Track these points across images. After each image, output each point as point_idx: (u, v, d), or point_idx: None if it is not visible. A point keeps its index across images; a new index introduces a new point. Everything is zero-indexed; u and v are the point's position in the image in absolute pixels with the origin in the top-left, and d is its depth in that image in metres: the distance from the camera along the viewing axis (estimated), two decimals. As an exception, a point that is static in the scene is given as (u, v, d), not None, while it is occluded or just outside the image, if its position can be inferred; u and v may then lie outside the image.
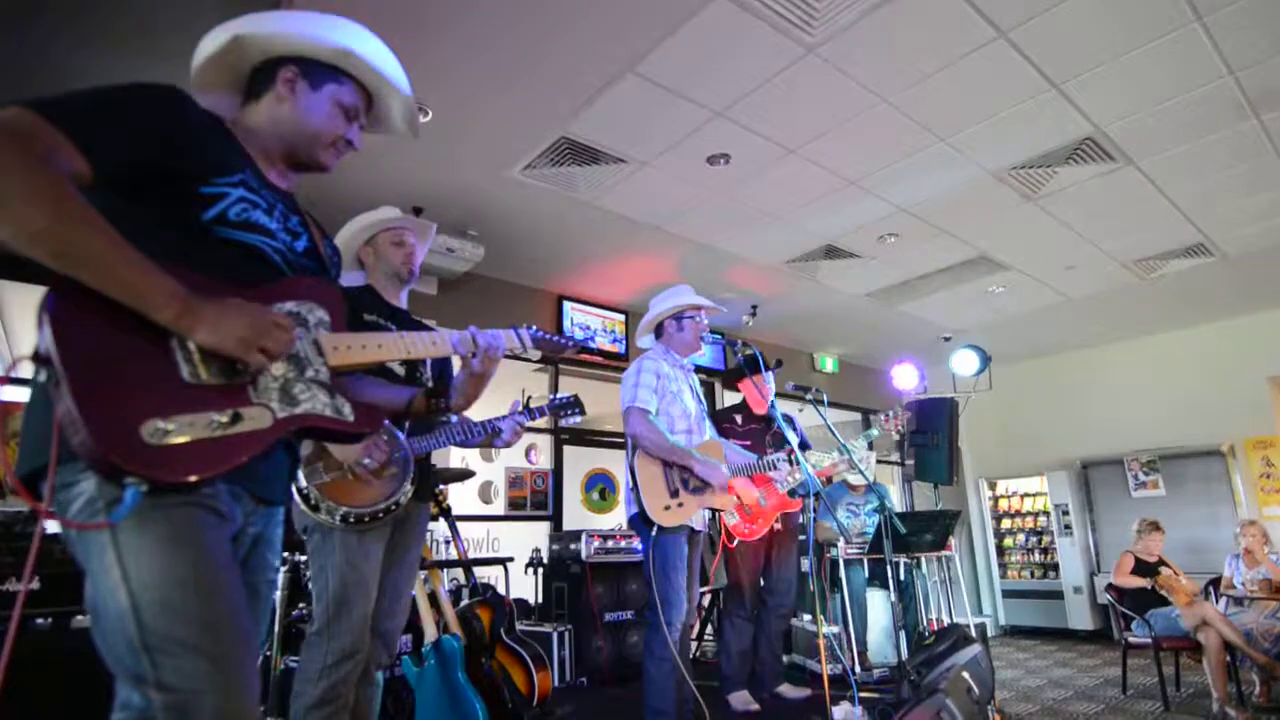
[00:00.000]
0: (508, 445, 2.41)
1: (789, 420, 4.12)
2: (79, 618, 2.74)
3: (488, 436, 2.36)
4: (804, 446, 3.95)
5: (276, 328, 1.10)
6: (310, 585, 2.08)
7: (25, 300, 4.33)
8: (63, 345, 0.92)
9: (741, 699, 3.67)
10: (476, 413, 2.35)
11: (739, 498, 3.72)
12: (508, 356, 1.61)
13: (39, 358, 0.94)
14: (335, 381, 1.23)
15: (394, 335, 1.36)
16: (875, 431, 3.89)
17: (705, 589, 5.35)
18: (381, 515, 2.04)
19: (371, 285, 2.38)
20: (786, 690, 3.90)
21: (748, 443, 3.92)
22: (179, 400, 1.00)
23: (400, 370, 2.23)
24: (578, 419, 2.64)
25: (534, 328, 1.69)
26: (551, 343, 1.72)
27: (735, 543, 3.80)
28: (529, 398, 2.50)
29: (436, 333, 1.48)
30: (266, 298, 1.16)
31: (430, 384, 2.28)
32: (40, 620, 2.70)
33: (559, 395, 2.62)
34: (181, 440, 0.97)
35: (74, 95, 1.02)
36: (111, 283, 0.96)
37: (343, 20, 1.34)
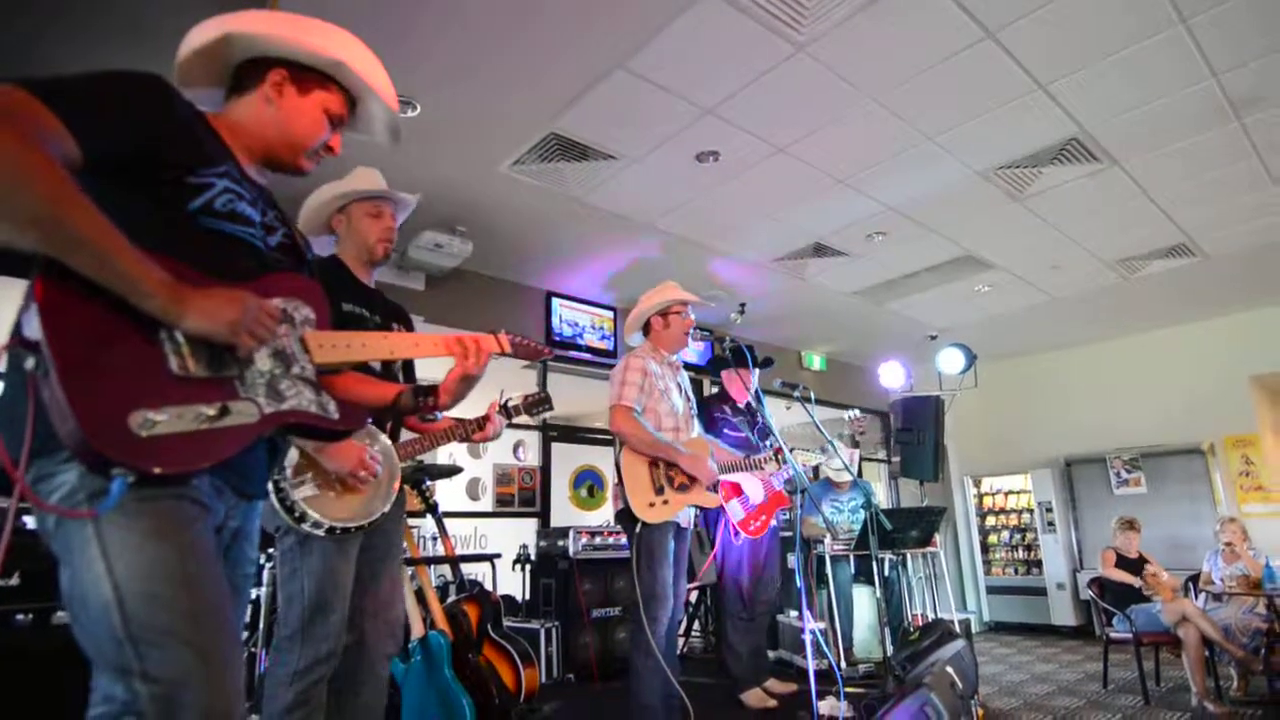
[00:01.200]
0: (488, 440, 2.40)
1: None
2: (60, 613, 2.71)
3: (469, 435, 2.34)
4: (753, 445, 3.96)
5: (264, 313, 1.11)
6: (280, 588, 2.01)
7: (6, 292, 4.26)
8: (52, 332, 0.91)
9: (756, 697, 3.68)
10: (458, 409, 2.35)
11: (748, 495, 3.74)
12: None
13: (26, 343, 0.93)
14: (321, 379, 1.23)
15: (378, 335, 1.37)
16: (837, 442, 3.91)
17: (692, 585, 5.37)
18: (366, 527, 2.02)
19: (341, 259, 2.23)
20: (773, 685, 3.92)
21: (740, 434, 3.93)
22: (167, 392, 0.99)
23: (376, 365, 2.20)
24: (549, 412, 2.72)
25: (511, 334, 1.70)
26: (528, 348, 1.73)
27: (741, 538, 3.81)
28: (507, 399, 2.50)
29: (418, 334, 1.49)
30: (254, 292, 1.15)
31: (400, 378, 2.27)
32: (20, 616, 2.67)
33: (531, 393, 2.66)
34: (169, 432, 0.97)
35: (67, 78, 1.01)
36: (101, 268, 0.95)
37: (335, 28, 1.34)
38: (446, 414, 2.39)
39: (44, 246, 0.92)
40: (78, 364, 0.92)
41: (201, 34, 1.26)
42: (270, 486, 1.91)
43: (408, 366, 2.32)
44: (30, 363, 0.93)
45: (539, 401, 2.65)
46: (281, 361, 1.17)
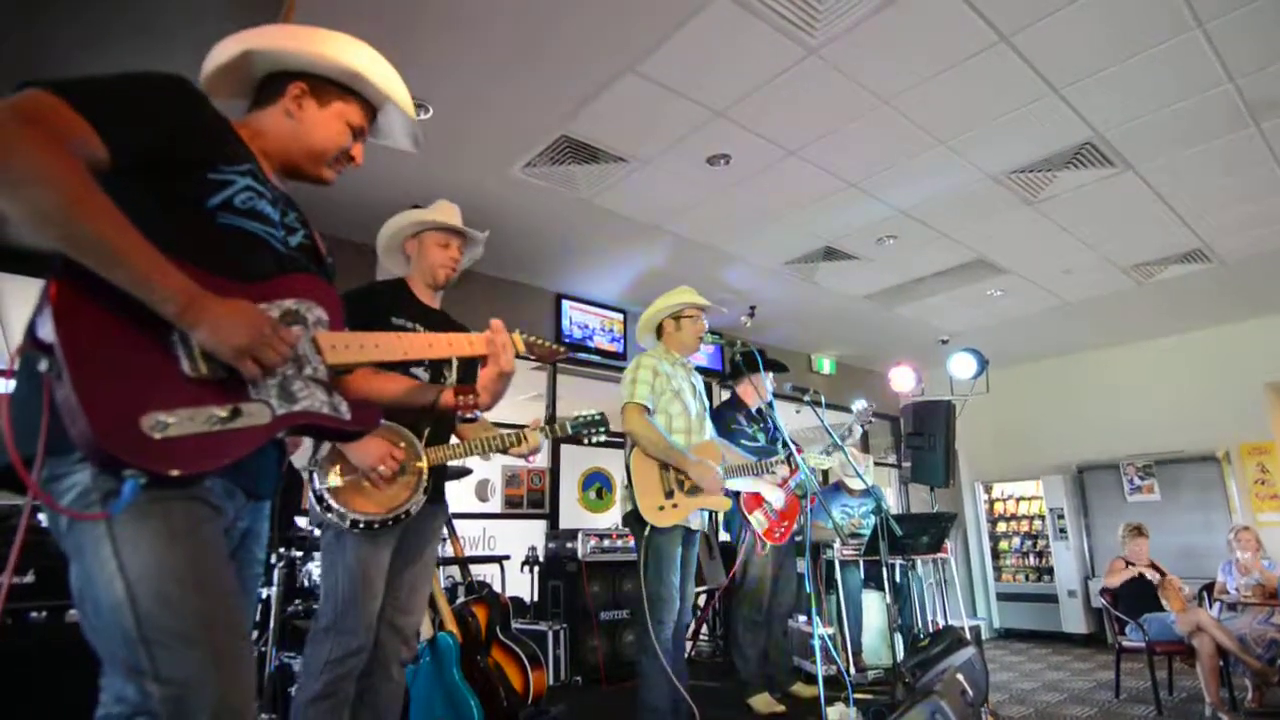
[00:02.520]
0: (522, 455, 2.34)
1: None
2: (73, 611, 2.73)
3: (506, 448, 2.28)
4: (769, 452, 3.94)
5: (278, 339, 1.10)
6: (320, 580, 2.10)
7: (22, 293, 4.30)
8: (65, 334, 0.92)
9: (764, 702, 3.66)
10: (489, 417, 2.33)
11: (769, 502, 3.72)
12: None
13: (40, 345, 0.93)
14: (334, 379, 1.24)
15: (391, 335, 1.37)
16: (850, 449, 3.86)
17: (700, 589, 5.35)
18: (390, 524, 2.04)
19: (407, 282, 2.38)
20: (800, 689, 3.90)
21: (756, 444, 3.91)
22: (180, 393, 1.00)
23: (425, 375, 2.21)
24: (602, 436, 2.45)
25: (527, 334, 1.71)
26: (543, 349, 1.75)
27: (767, 548, 3.78)
28: (551, 415, 2.45)
29: (432, 334, 1.49)
30: (267, 294, 1.16)
31: (454, 380, 2.26)
32: (34, 614, 2.69)
33: (584, 415, 2.46)
34: (181, 434, 0.97)
35: (93, 80, 1.02)
36: (120, 271, 0.95)
37: (353, 40, 1.36)
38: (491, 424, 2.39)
39: (61, 246, 0.93)
40: (90, 366, 0.92)
41: (223, 51, 1.29)
42: (304, 477, 1.97)
43: (468, 368, 2.32)
44: (44, 364, 0.93)
45: (591, 423, 2.43)
46: (294, 362, 1.18)
